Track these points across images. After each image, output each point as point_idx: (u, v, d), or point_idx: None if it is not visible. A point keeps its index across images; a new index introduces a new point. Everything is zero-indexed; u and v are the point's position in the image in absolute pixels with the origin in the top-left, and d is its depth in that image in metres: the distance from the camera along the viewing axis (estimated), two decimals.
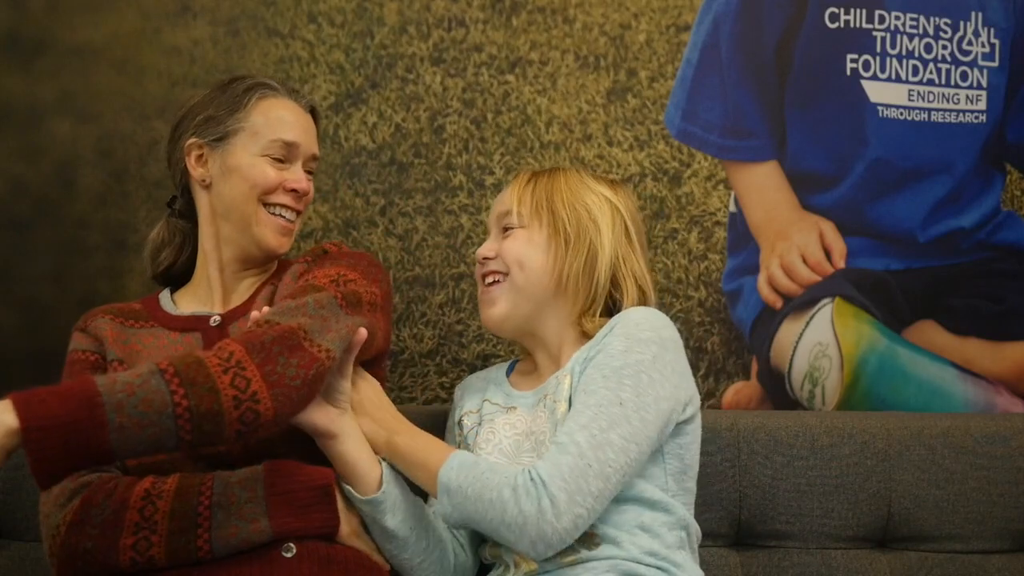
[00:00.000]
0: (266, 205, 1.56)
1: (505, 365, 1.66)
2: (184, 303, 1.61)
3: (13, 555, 1.76)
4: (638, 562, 1.39)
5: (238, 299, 1.58)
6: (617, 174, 2.01)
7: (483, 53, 2.04)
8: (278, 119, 1.56)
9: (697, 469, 1.51)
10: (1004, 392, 1.99)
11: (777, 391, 2.00)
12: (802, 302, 2.00)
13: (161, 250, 1.66)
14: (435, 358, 2.02)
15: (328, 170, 2.05)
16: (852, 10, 1.98)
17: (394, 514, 1.44)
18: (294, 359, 1.31)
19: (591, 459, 1.34)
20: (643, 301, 1.54)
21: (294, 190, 1.56)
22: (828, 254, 2.00)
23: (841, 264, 2.00)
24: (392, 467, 1.45)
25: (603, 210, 1.54)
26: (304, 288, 1.44)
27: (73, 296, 2.04)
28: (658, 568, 1.40)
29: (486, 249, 1.57)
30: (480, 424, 1.56)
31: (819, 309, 1.99)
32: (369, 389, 1.49)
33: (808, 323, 1.99)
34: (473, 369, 1.94)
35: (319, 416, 1.40)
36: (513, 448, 1.49)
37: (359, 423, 1.45)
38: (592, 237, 1.52)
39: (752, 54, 1.99)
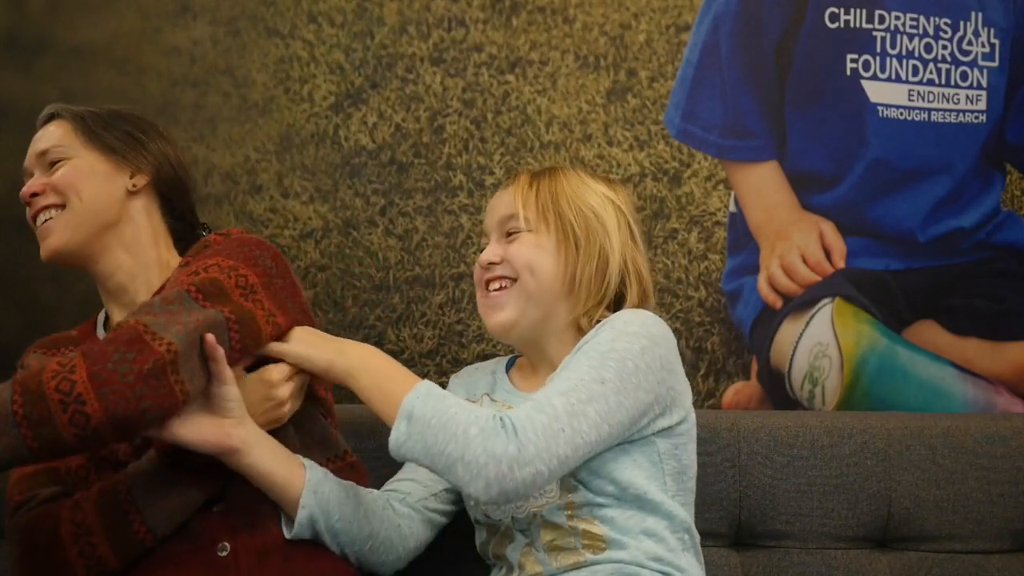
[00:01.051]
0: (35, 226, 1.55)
1: (505, 360, 1.65)
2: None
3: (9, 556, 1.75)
4: (642, 566, 1.39)
5: None
6: (617, 174, 2.01)
7: (483, 53, 2.04)
8: None
9: (695, 470, 1.50)
10: (1004, 392, 1.99)
11: (777, 391, 2.00)
12: (802, 302, 2.00)
13: None
14: (435, 358, 2.02)
15: (328, 170, 2.05)
16: (852, 10, 1.98)
17: (328, 517, 1.43)
18: (130, 353, 1.27)
19: (565, 424, 1.32)
20: (644, 299, 1.53)
21: (27, 202, 1.54)
22: (828, 254, 2.00)
23: (841, 264, 2.00)
24: (316, 468, 1.44)
25: (608, 211, 1.51)
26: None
27: (73, 296, 2.04)
28: (662, 573, 1.40)
29: (491, 254, 1.51)
30: None
31: (819, 309, 1.99)
32: (303, 331, 1.46)
33: (808, 323, 1.99)
34: None
35: (210, 431, 1.35)
36: None
37: (303, 349, 1.43)
38: (602, 240, 1.49)
39: (752, 54, 1.99)
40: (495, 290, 1.51)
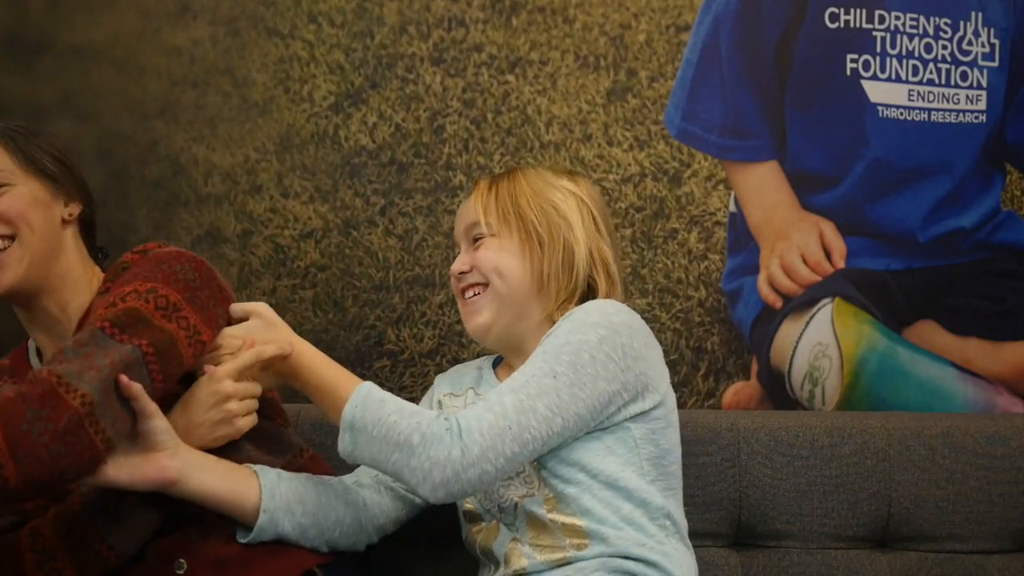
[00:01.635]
0: None
1: (492, 357, 1.66)
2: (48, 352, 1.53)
3: None
4: (627, 556, 1.39)
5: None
6: (617, 174, 2.02)
7: (483, 53, 2.04)
8: None
9: (678, 454, 1.50)
10: (1004, 392, 1.99)
11: (777, 391, 2.00)
12: (802, 302, 2.00)
13: None
14: (435, 358, 2.02)
15: (328, 170, 2.05)
16: (852, 10, 1.98)
17: (291, 517, 1.43)
18: (44, 411, 1.22)
19: (512, 422, 1.34)
20: (612, 288, 1.54)
21: None
22: (828, 254, 2.00)
23: (841, 264, 2.00)
24: (267, 471, 1.43)
25: (570, 204, 1.53)
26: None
27: None
28: (647, 562, 1.40)
29: (460, 264, 1.55)
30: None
31: (819, 309, 1.99)
32: (253, 326, 1.46)
33: (808, 323, 1.99)
34: None
35: (144, 469, 1.33)
36: None
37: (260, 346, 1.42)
38: (565, 234, 1.51)
39: (752, 54, 1.99)
40: (471, 297, 1.54)
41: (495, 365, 1.64)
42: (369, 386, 1.40)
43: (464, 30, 2.04)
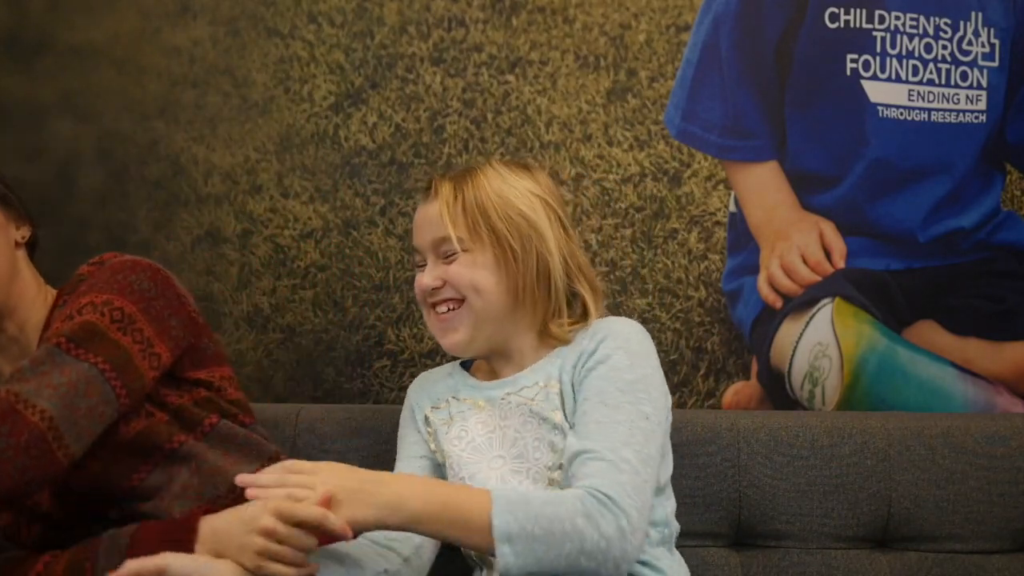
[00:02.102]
0: None
1: (458, 361, 1.62)
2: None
3: None
4: None
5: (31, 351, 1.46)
6: (617, 174, 2.01)
7: (483, 53, 2.04)
8: None
9: (664, 459, 1.49)
10: (1004, 392, 1.98)
11: (777, 391, 2.00)
12: (802, 302, 2.00)
13: None
14: (435, 358, 2.02)
15: (328, 170, 2.05)
16: (852, 10, 1.98)
17: None
18: (5, 427, 1.24)
19: (644, 475, 1.33)
20: (595, 292, 1.51)
21: None
22: (828, 254, 2.00)
23: (841, 264, 2.00)
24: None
25: (536, 210, 1.48)
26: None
27: None
28: (637, 562, 1.39)
29: (431, 279, 1.49)
30: (451, 421, 1.52)
31: (819, 309, 1.99)
32: (331, 473, 1.30)
33: (808, 323, 1.99)
34: None
35: None
36: (486, 444, 1.46)
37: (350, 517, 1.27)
38: (537, 245, 1.47)
39: (752, 54, 1.99)
40: (445, 312, 1.50)
41: (467, 365, 1.60)
42: (500, 492, 1.30)
43: (464, 30, 2.04)
